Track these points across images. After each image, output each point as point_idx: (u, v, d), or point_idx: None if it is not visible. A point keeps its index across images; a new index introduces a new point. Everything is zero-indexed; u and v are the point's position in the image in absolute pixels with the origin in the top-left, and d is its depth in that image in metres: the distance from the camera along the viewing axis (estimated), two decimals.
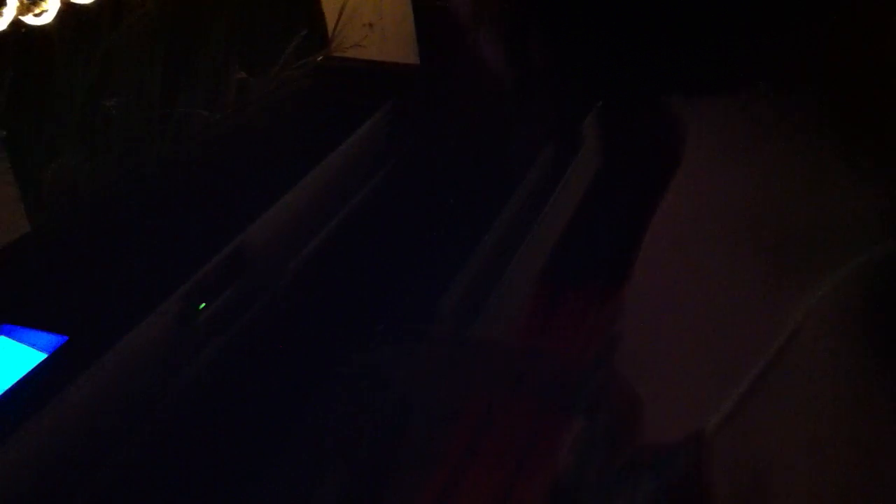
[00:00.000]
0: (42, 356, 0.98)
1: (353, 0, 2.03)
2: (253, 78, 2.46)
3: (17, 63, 2.14)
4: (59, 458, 0.90)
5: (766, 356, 0.54)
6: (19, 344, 1.00)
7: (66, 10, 2.03)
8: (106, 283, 1.06)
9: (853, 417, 0.50)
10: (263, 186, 1.27)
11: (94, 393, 0.96)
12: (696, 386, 0.62)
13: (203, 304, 1.08)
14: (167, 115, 2.40)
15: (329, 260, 1.23)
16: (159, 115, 2.40)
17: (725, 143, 0.66)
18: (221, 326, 1.07)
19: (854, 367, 0.50)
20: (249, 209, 1.19)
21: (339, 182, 1.34)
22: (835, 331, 0.51)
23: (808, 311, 0.52)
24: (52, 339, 0.99)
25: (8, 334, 1.01)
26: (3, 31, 1.92)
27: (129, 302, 1.04)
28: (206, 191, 1.29)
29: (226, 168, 1.36)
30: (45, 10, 1.93)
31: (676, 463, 0.61)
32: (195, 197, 1.28)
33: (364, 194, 1.34)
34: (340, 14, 2.36)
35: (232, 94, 2.43)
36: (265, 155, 1.38)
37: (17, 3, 1.89)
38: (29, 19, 1.94)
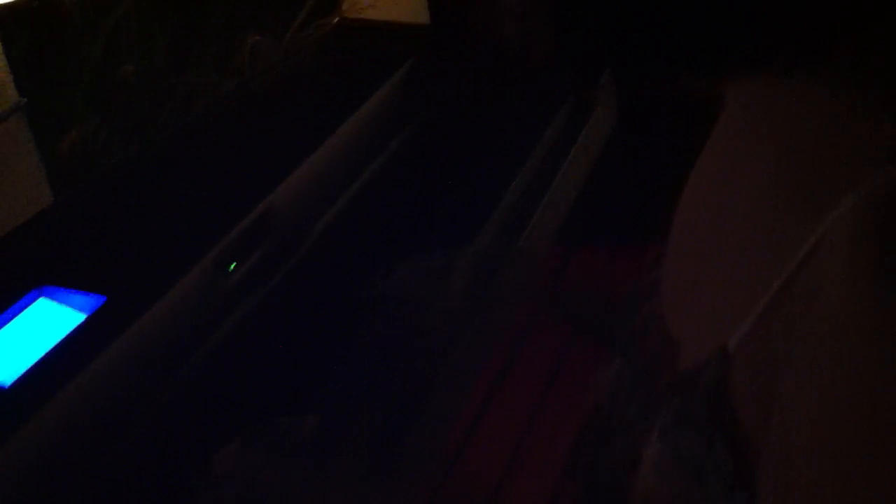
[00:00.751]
0: (82, 317, 1.01)
1: None
2: (266, 40, 2.46)
3: (34, 31, 2.15)
4: (105, 415, 0.94)
5: (784, 276, 0.57)
6: (59, 305, 1.03)
7: None
8: (140, 244, 1.09)
9: (866, 336, 0.52)
10: (286, 149, 1.29)
11: (134, 351, 0.99)
12: (719, 307, 0.65)
13: (234, 264, 1.10)
14: (179, 82, 2.42)
15: (353, 220, 1.25)
16: (171, 82, 2.41)
17: (741, 88, 0.68)
18: (252, 284, 1.10)
19: (868, 288, 0.51)
20: (273, 172, 1.21)
21: (360, 143, 1.36)
22: (849, 251, 0.53)
23: (824, 233, 0.55)
24: (91, 300, 1.02)
25: (48, 296, 1.04)
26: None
27: (163, 263, 1.07)
28: (228, 155, 1.31)
29: (246, 132, 1.38)
30: None
31: (702, 381, 0.64)
32: (218, 161, 1.30)
33: (386, 154, 1.36)
34: None
35: (245, 58, 2.44)
36: (284, 118, 1.39)
37: None
38: None
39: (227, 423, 0.96)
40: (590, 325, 0.99)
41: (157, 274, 1.05)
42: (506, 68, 1.44)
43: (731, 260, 0.68)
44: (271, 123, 1.39)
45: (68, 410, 0.90)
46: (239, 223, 1.13)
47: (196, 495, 0.78)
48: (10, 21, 2.03)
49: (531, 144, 1.40)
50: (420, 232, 1.27)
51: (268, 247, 1.13)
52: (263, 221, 1.14)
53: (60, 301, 1.03)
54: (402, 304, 0.97)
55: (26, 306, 1.03)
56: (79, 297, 1.02)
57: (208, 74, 2.38)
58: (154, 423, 0.95)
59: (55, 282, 1.04)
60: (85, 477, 0.90)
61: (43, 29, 2.19)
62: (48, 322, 1.01)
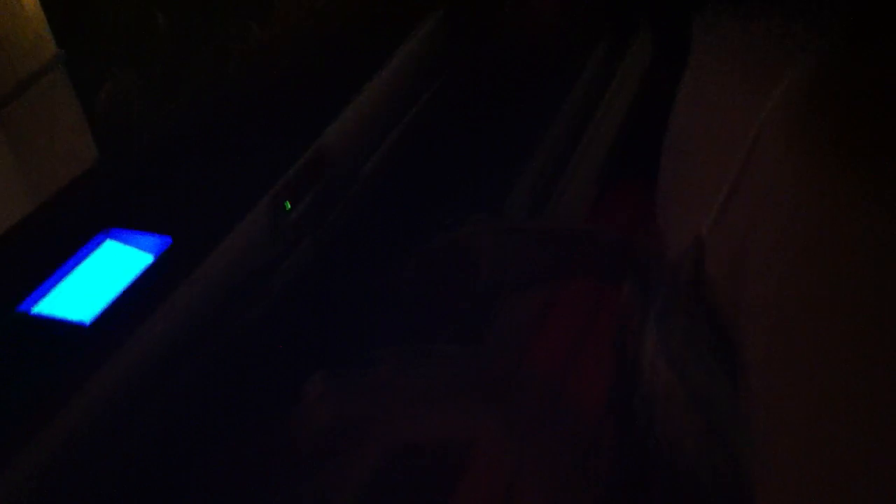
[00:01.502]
0: (150, 257, 1.04)
1: None
2: None
3: None
4: (181, 348, 0.98)
5: (739, 163, 0.61)
6: (127, 246, 1.06)
7: None
8: (200, 186, 1.12)
9: (809, 205, 0.55)
10: (329, 94, 1.31)
11: (203, 289, 1.02)
12: (695, 202, 0.70)
13: (288, 204, 1.14)
14: (211, 33, 2.43)
15: (400, 160, 1.28)
16: (204, 32, 2.43)
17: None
18: (309, 223, 1.13)
19: (807, 164, 0.55)
20: (319, 116, 1.24)
21: (399, 88, 1.37)
22: (786, 131, 0.57)
23: (763, 121, 0.59)
24: (158, 241, 1.05)
25: (115, 237, 1.08)
26: None
27: (224, 203, 1.10)
28: (272, 101, 1.33)
29: (288, 78, 1.40)
30: None
31: (682, 269, 0.69)
32: (263, 107, 1.32)
33: (423, 101, 1.38)
34: None
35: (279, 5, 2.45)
36: (326, 62, 1.41)
37: None
38: None
39: (296, 355, 1.00)
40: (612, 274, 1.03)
41: (218, 214, 1.08)
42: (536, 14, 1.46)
43: (701, 158, 0.74)
44: (312, 69, 1.41)
45: (148, 344, 0.94)
46: (292, 165, 1.16)
47: (282, 422, 0.82)
48: None
49: (568, 87, 1.42)
50: (460, 176, 1.29)
51: (320, 187, 1.16)
52: (314, 162, 1.17)
53: (128, 243, 1.06)
54: (453, 243, 1.01)
55: (94, 249, 1.06)
56: (145, 239, 1.06)
57: (241, 24, 2.39)
58: (227, 354, 0.99)
59: (121, 225, 1.07)
60: (166, 407, 0.94)
61: None
62: (117, 264, 1.04)
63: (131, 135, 1.98)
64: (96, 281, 1.02)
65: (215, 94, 1.30)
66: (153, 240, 1.05)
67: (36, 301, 0.99)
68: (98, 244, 1.07)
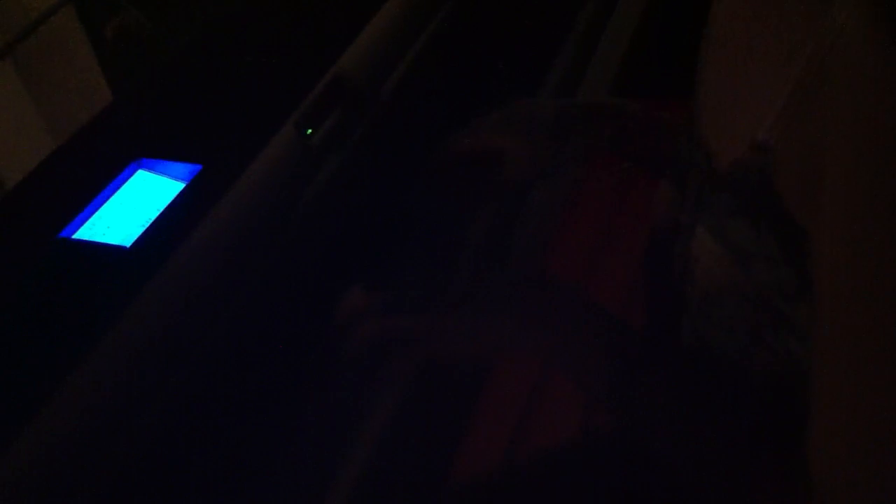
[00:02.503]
0: (180, 185, 1.08)
1: None
2: None
3: None
4: (216, 269, 1.02)
5: (803, 64, 0.62)
6: (159, 176, 1.10)
7: None
8: (224, 114, 1.15)
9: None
10: (343, 20, 1.32)
11: (235, 214, 1.06)
12: (752, 107, 0.71)
13: (310, 130, 1.17)
14: None
15: (416, 82, 1.30)
16: None
17: None
18: (331, 146, 1.16)
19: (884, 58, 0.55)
20: (335, 42, 1.26)
21: (412, 11, 1.39)
22: (863, 30, 0.57)
23: (837, 11, 0.60)
24: (188, 169, 1.09)
25: (146, 167, 1.11)
26: None
27: (249, 130, 1.13)
28: (288, 29, 1.35)
29: (301, 7, 1.41)
30: None
31: (746, 173, 0.70)
32: (280, 35, 1.34)
33: (436, 21, 1.39)
34: None
35: None
36: None
37: None
38: None
39: (327, 274, 1.05)
40: (649, 159, 1.05)
41: (244, 141, 1.11)
42: None
43: (755, 62, 0.73)
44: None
45: (186, 266, 0.98)
46: (311, 90, 1.18)
47: (326, 339, 0.87)
48: None
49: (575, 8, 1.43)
50: (477, 90, 1.32)
51: (341, 109, 1.19)
52: (334, 86, 1.20)
53: (159, 172, 1.10)
54: (480, 154, 1.04)
55: (127, 179, 1.10)
56: (175, 167, 1.09)
57: None
58: (261, 273, 1.04)
59: (150, 155, 1.11)
60: (207, 323, 0.99)
61: None
62: (150, 192, 1.08)
63: (143, 69, 1.99)
64: (132, 208, 1.06)
65: (228, 23, 1.32)
66: (183, 168, 1.09)
67: (76, 228, 1.03)
68: (130, 174, 1.10)
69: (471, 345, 0.84)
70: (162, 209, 1.04)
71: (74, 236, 1.01)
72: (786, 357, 0.72)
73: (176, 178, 1.09)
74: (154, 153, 1.12)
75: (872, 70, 0.55)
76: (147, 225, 1.01)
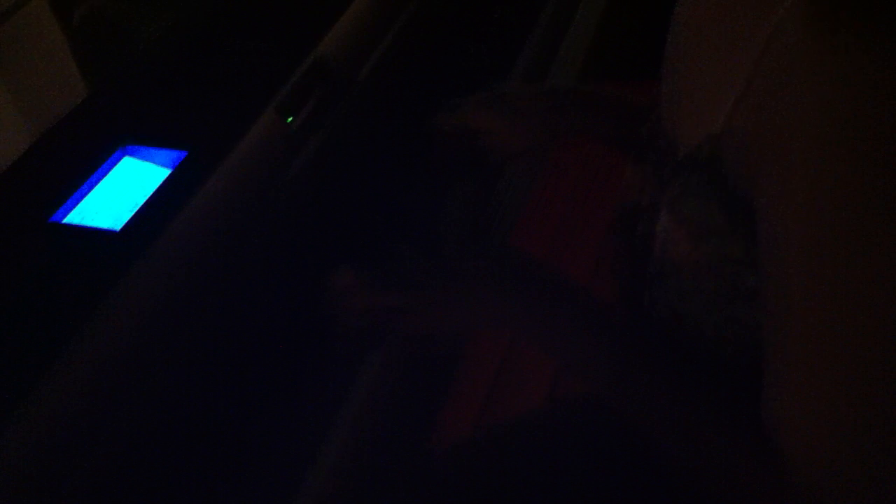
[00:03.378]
0: (167, 171, 1.12)
1: None
2: None
3: None
4: (205, 249, 1.06)
5: (750, 63, 0.68)
6: (144, 162, 1.14)
7: None
8: (207, 102, 1.19)
9: (833, 92, 0.60)
10: (322, 8, 1.36)
11: (221, 196, 1.10)
12: (707, 100, 0.77)
13: (291, 118, 1.21)
14: None
15: (393, 65, 1.34)
16: None
17: None
18: (311, 132, 1.20)
19: (826, 49, 0.60)
20: (311, 30, 1.30)
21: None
22: (804, 21, 0.62)
23: (780, 18, 0.65)
24: (173, 155, 1.12)
25: (132, 154, 1.15)
26: None
27: (232, 117, 1.17)
28: (267, 17, 1.38)
29: None
30: None
31: (697, 160, 0.76)
32: (259, 23, 1.37)
33: (410, 9, 1.44)
34: None
35: None
36: None
37: None
38: None
39: (314, 250, 1.09)
40: (616, 140, 1.10)
41: (228, 127, 1.15)
42: None
43: (710, 59, 0.80)
44: None
45: (175, 247, 1.02)
46: (290, 77, 1.22)
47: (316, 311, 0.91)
48: None
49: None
50: (454, 75, 1.36)
51: (319, 94, 1.23)
52: (312, 72, 1.24)
53: (145, 158, 1.14)
54: (461, 132, 1.08)
55: (114, 165, 1.13)
56: (161, 154, 1.13)
57: None
58: (247, 254, 1.08)
59: (135, 142, 1.14)
60: (194, 303, 1.03)
61: None
62: (137, 177, 1.12)
63: (114, 57, 2.01)
64: (120, 193, 1.09)
65: (205, 10, 1.35)
66: (169, 154, 1.12)
67: (66, 213, 1.06)
68: (117, 161, 1.14)
69: (454, 320, 0.87)
70: (150, 193, 1.07)
71: (65, 220, 1.05)
72: (739, 321, 0.78)
73: (162, 164, 1.13)
74: (139, 140, 1.15)
75: (808, 61, 0.61)
76: (136, 209, 1.05)
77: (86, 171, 1.12)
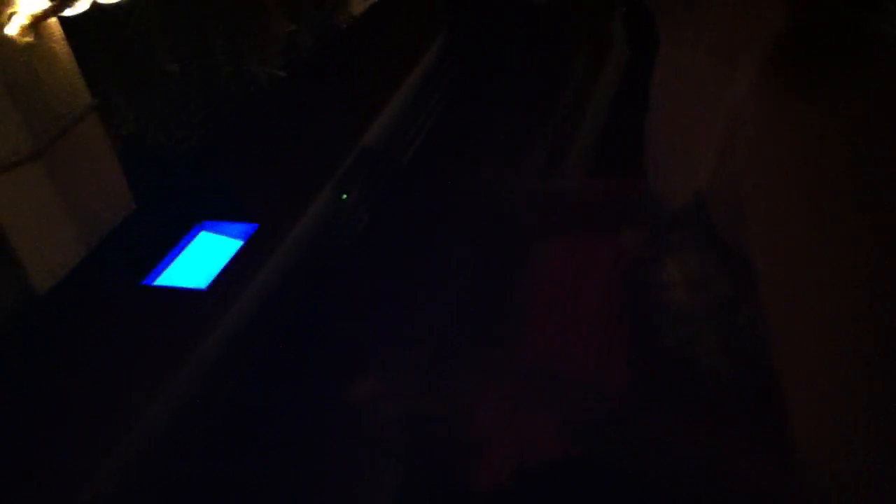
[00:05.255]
0: (239, 243, 1.26)
1: None
2: (300, 31, 2.71)
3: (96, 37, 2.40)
4: (277, 310, 1.20)
5: (725, 123, 0.75)
6: (219, 235, 1.29)
7: None
8: (274, 182, 1.35)
9: (788, 141, 0.67)
10: (365, 102, 1.54)
11: (287, 265, 1.25)
12: (693, 163, 0.83)
13: (345, 195, 1.37)
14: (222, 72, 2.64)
15: (429, 149, 1.52)
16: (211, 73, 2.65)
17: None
18: (362, 207, 1.36)
19: (781, 109, 0.67)
20: (360, 121, 1.47)
21: (419, 96, 1.62)
22: (761, 91, 0.69)
23: (740, 91, 0.72)
24: (245, 228, 1.28)
25: (209, 229, 1.30)
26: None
27: (294, 194, 1.33)
28: (320, 107, 1.56)
29: (329, 91, 1.63)
30: None
31: (688, 218, 0.83)
32: (313, 114, 1.55)
33: (438, 102, 1.63)
34: None
35: (279, 47, 2.69)
36: (355, 79, 1.65)
37: None
38: None
39: (362, 316, 1.22)
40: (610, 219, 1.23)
41: (292, 203, 1.31)
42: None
43: (689, 126, 0.84)
44: (348, 83, 1.65)
45: (253, 308, 1.16)
46: (343, 161, 1.39)
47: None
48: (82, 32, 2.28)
49: (562, 81, 1.68)
50: (479, 155, 1.54)
51: (368, 177, 1.40)
52: (362, 158, 1.41)
53: (219, 232, 1.29)
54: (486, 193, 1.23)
55: (192, 239, 1.29)
56: (234, 227, 1.28)
57: (250, 63, 2.62)
58: (311, 315, 1.21)
59: (212, 216, 1.30)
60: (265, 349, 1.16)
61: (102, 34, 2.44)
62: (214, 248, 1.26)
63: (161, 163, 2.21)
64: (200, 260, 1.24)
65: (268, 105, 1.53)
66: (241, 227, 1.28)
67: (154, 278, 1.20)
68: (195, 235, 1.29)
69: (474, 427, 0.91)
70: (230, 258, 1.21)
71: (155, 283, 1.19)
72: (737, 356, 0.84)
73: (234, 236, 1.28)
74: (214, 216, 1.31)
75: (773, 119, 0.69)
76: (219, 270, 1.19)
77: (167, 246, 1.26)
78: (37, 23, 2.09)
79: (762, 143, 0.70)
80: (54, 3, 2.12)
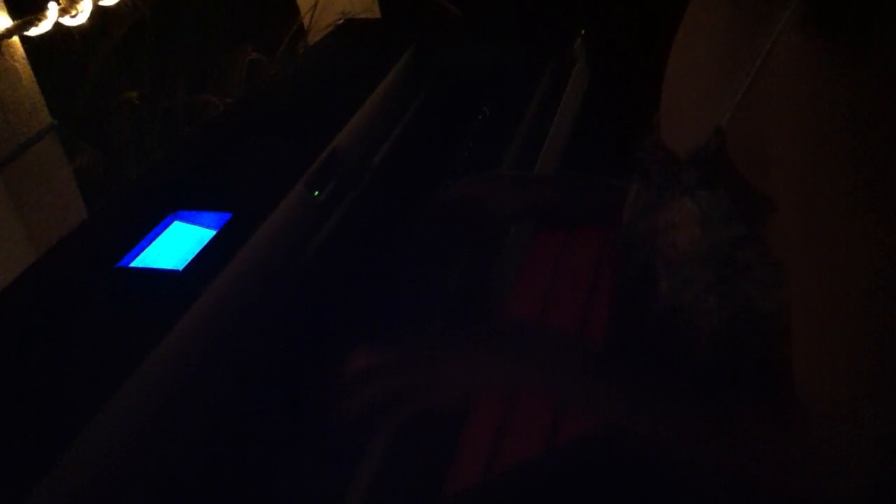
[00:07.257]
0: (213, 232, 1.28)
1: None
2: (264, 58, 2.76)
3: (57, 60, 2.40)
4: (251, 292, 1.21)
5: (756, 65, 0.76)
6: (192, 225, 1.30)
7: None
8: (247, 176, 1.38)
9: (829, 89, 0.67)
10: (336, 110, 1.58)
11: (257, 257, 1.27)
12: (710, 99, 0.83)
13: (316, 192, 1.40)
14: (177, 102, 2.67)
15: (400, 152, 1.56)
16: (169, 103, 2.67)
17: None
18: (333, 205, 1.40)
19: (824, 55, 0.68)
20: (332, 124, 1.51)
21: (387, 109, 1.67)
22: (800, 37, 0.69)
23: (780, 29, 0.73)
24: (219, 217, 1.29)
25: (182, 219, 1.31)
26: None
27: (269, 189, 1.35)
28: (292, 114, 1.59)
29: (302, 100, 1.67)
30: (80, 12, 2.21)
31: (707, 153, 0.82)
32: (286, 119, 1.58)
33: (406, 116, 1.68)
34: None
35: (242, 75, 2.73)
36: (326, 91, 1.70)
37: (58, 7, 2.17)
38: (66, 20, 2.22)
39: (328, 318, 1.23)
40: (593, 215, 1.28)
41: (266, 196, 1.33)
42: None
43: (715, 64, 0.85)
44: (319, 94, 1.69)
45: (227, 287, 1.17)
46: (314, 161, 1.43)
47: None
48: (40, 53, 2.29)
49: (525, 102, 1.75)
50: (448, 162, 1.58)
51: (339, 176, 1.43)
52: (333, 158, 1.45)
53: (192, 222, 1.30)
54: (459, 203, 1.27)
55: (166, 227, 1.29)
56: (209, 216, 1.29)
57: (206, 92, 2.66)
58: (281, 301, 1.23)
59: (186, 206, 1.31)
60: (241, 337, 1.17)
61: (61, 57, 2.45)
62: (186, 240, 1.27)
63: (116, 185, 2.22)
64: (176, 245, 1.25)
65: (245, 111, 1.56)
66: (215, 216, 1.29)
67: (130, 260, 1.21)
68: (168, 224, 1.30)
69: (466, 387, 0.93)
70: (205, 243, 1.22)
71: (131, 265, 1.19)
72: (742, 302, 0.84)
73: (208, 225, 1.29)
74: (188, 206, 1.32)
75: (805, 65, 0.69)
76: (195, 254, 1.20)
77: (141, 233, 1.27)
78: None
79: (795, 85, 0.70)
80: (17, 22, 2.14)
